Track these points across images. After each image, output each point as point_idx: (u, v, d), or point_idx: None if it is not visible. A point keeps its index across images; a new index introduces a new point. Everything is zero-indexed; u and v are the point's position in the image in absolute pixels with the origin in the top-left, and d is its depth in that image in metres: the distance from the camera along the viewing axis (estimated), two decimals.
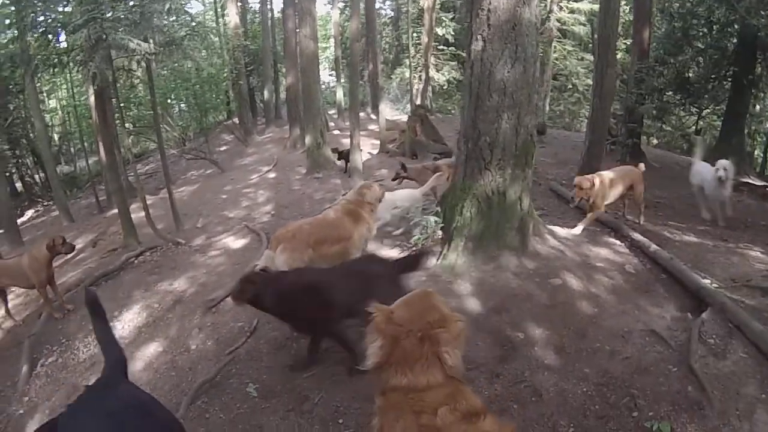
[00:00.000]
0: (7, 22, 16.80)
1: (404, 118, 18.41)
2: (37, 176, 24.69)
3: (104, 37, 7.87)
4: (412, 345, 2.09)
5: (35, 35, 9.83)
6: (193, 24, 15.33)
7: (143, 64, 9.74)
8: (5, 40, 17.72)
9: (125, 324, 6.14)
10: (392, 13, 32.20)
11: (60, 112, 25.88)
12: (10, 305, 7.51)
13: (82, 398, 2.36)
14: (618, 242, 6.66)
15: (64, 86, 23.88)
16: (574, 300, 5.02)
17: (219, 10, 28.67)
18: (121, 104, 12.17)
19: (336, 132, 19.95)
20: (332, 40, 29.46)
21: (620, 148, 12.50)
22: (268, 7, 26.84)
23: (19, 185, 23.72)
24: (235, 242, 8.40)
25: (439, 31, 23.91)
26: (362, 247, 6.12)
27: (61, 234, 7.46)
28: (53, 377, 5.63)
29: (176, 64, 18.05)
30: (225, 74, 22.91)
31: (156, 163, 19.75)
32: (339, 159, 13.25)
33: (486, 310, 4.86)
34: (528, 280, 5.37)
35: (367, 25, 20.61)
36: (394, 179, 9.12)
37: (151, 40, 8.76)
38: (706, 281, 5.16)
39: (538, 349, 4.29)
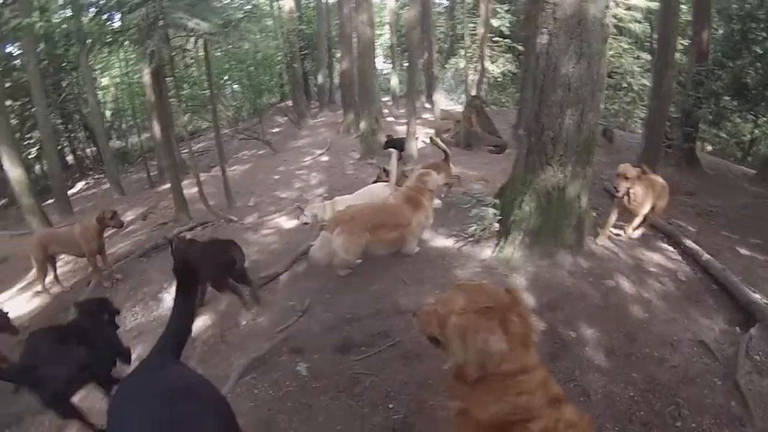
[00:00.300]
0: (61, 2, 17.19)
1: (459, 108, 18.29)
2: (88, 150, 25.31)
3: (162, 16, 7.98)
4: (521, 326, 2.07)
5: (89, 15, 9.96)
6: (248, 7, 15.47)
7: (199, 43, 9.84)
8: (59, 20, 18.11)
9: (173, 296, 6.19)
10: (447, 3, 31.96)
11: (113, 89, 26.36)
12: (58, 272, 7.79)
13: (128, 382, 2.38)
14: (670, 248, 6.49)
15: (117, 64, 24.33)
16: (626, 303, 4.95)
17: None
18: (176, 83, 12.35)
19: (390, 119, 19.92)
20: (387, 27, 29.35)
21: (676, 151, 12.20)
22: None
23: (70, 158, 24.37)
24: (287, 222, 8.47)
25: (495, 22, 23.55)
26: (419, 235, 6.11)
27: (112, 208, 7.63)
28: None
29: (230, 46, 18.20)
30: (279, 57, 23.01)
31: (208, 142, 20.04)
32: (386, 147, 12.81)
33: (540, 305, 4.81)
34: (582, 279, 5.31)
35: (422, 14, 20.49)
36: (374, 182, 8.83)
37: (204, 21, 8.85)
38: (757, 296, 5.01)
39: (588, 349, 4.24)
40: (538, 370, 2.04)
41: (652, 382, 3.88)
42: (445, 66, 28.06)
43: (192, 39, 9.48)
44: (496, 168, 9.83)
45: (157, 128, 14.83)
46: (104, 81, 26.19)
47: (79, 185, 21.27)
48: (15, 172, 11.12)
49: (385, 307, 4.90)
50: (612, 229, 6.53)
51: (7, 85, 16.53)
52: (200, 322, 5.47)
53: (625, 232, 6.58)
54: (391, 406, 3.70)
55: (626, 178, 6.24)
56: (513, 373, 2.01)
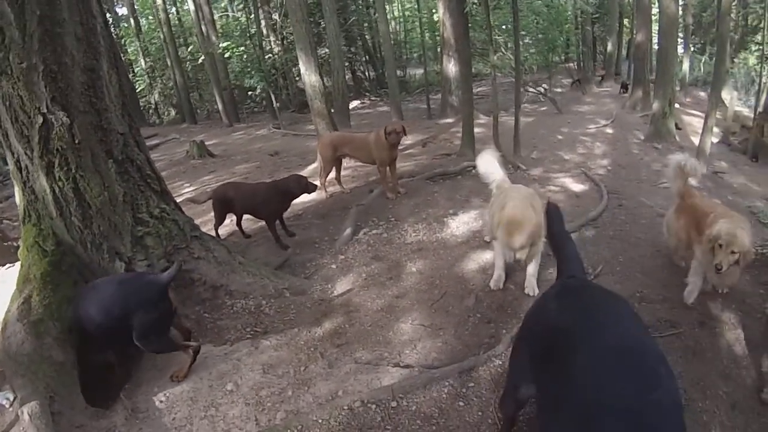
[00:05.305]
0: None
1: (747, 111, 16.63)
2: (366, 73, 26.84)
3: None
4: None
5: None
6: None
7: None
8: None
9: (459, 224, 6.38)
10: None
11: (393, 22, 27.68)
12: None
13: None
14: None
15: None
16: None
17: None
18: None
19: (675, 105, 18.75)
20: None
21: None
22: None
23: (348, 77, 25.96)
24: (573, 185, 8.20)
25: None
26: None
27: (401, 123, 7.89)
28: (374, 248, 6.04)
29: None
30: (569, 15, 22.34)
31: (486, 87, 20.14)
32: None
33: None
34: None
35: None
36: None
37: None
38: None
39: None
40: None
41: None
42: (734, 60, 25.28)
43: None
44: None
45: (448, 63, 15.21)
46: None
47: (355, 103, 22.89)
48: (311, 77, 12.07)
49: (672, 297, 4.54)
50: None
51: None
52: (487, 256, 5.49)
53: None
54: None
55: None
56: None
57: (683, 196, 4.79)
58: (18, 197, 4.41)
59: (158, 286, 3.67)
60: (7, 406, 3.31)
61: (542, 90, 18.34)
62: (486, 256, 5.44)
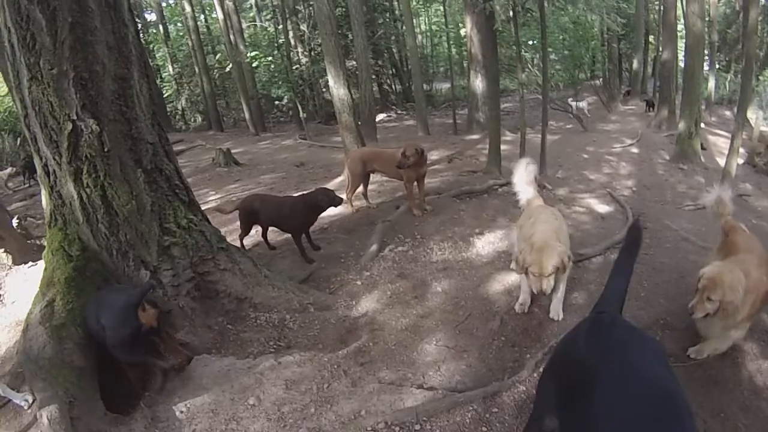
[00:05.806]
0: None
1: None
2: (393, 86, 26.90)
3: None
4: None
5: None
6: None
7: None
8: None
9: (484, 244, 6.31)
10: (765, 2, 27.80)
11: (419, 36, 27.76)
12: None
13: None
14: None
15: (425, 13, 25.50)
16: None
17: None
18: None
19: (701, 125, 18.56)
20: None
21: None
22: None
23: (375, 90, 26.06)
24: (598, 206, 8.10)
25: None
26: None
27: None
28: (399, 265, 5.96)
29: (555, 16, 17.89)
30: (594, 32, 22.25)
31: (513, 103, 20.11)
32: None
33: None
34: None
35: (742, 13, 18.49)
36: None
37: None
38: None
39: None
40: None
41: None
42: (759, 78, 24.84)
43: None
44: None
45: (475, 79, 15.17)
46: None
47: (381, 116, 22.90)
48: (340, 91, 12.07)
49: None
50: None
51: None
52: (513, 277, 5.42)
53: None
54: None
55: None
56: None
57: (728, 233, 4.49)
58: (45, 201, 4.45)
59: (125, 304, 3.62)
60: (26, 407, 3.35)
61: (578, 106, 18.25)
62: (511, 278, 5.37)
